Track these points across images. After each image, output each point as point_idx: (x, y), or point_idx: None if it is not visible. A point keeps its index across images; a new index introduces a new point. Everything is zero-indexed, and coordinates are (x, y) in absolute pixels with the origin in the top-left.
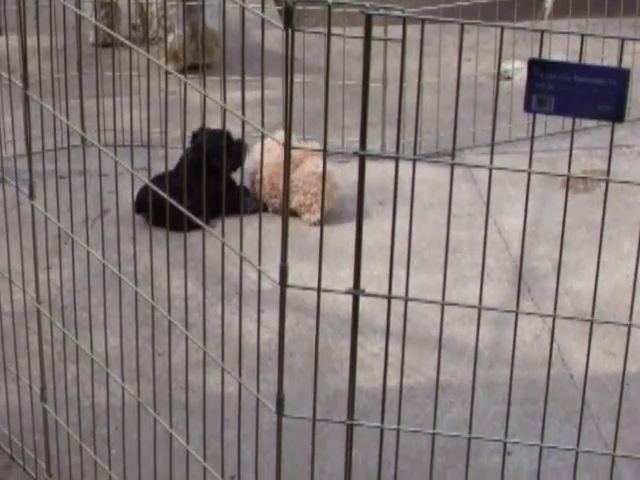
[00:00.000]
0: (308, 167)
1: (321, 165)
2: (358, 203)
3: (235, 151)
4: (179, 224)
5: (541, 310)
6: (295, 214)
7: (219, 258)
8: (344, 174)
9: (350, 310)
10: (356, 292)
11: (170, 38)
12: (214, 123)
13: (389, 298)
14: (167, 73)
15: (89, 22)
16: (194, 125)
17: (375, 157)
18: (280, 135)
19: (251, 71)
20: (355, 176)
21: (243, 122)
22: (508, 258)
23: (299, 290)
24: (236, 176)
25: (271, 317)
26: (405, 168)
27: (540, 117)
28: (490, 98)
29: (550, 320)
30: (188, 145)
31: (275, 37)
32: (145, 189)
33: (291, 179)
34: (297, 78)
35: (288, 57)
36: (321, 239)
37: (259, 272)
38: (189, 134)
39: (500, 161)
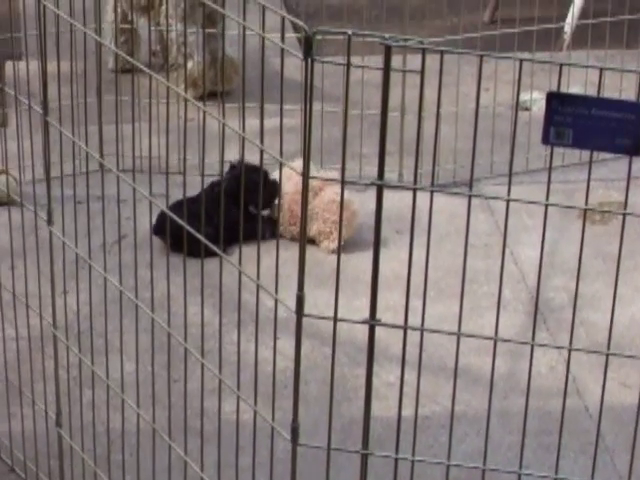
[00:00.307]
0: (328, 195)
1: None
2: (375, 233)
3: (269, 191)
4: (197, 250)
5: (557, 341)
6: (313, 242)
7: (235, 285)
8: (362, 202)
9: (366, 339)
10: (372, 322)
11: (189, 65)
12: (232, 150)
13: (405, 328)
14: (186, 100)
15: (109, 48)
16: (212, 153)
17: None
18: (298, 164)
19: (269, 99)
20: (373, 205)
21: (262, 151)
22: (524, 289)
23: (314, 319)
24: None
25: (286, 345)
26: (422, 197)
27: (558, 148)
28: (508, 128)
29: (565, 351)
30: (212, 173)
31: (294, 65)
32: (164, 213)
33: (311, 207)
34: (315, 106)
35: (307, 87)
36: (338, 268)
37: (275, 300)
38: (212, 162)
39: (517, 191)
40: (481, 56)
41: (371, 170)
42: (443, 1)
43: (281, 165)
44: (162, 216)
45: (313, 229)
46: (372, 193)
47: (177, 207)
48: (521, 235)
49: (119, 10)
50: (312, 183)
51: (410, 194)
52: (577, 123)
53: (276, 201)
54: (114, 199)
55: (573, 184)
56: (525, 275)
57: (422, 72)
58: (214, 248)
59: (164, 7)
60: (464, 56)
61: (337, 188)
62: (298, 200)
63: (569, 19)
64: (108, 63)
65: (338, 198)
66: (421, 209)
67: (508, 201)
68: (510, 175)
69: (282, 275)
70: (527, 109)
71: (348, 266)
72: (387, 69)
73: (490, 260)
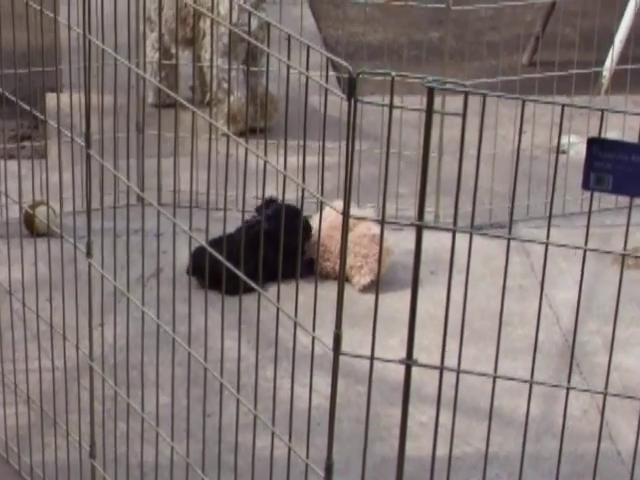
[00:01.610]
0: (360, 229)
1: (373, 228)
2: (414, 273)
3: (305, 234)
4: (233, 288)
5: (589, 385)
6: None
7: (270, 322)
8: (397, 242)
9: (399, 378)
10: (409, 362)
11: (230, 100)
12: (268, 187)
13: (441, 369)
14: (228, 137)
15: (150, 82)
16: (250, 189)
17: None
18: (337, 204)
19: (308, 136)
20: (408, 244)
21: (303, 190)
22: (558, 332)
23: (349, 357)
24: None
25: (320, 382)
26: (459, 238)
27: (595, 193)
28: (544, 171)
29: (598, 396)
30: (248, 209)
31: (332, 103)
32: (199, 252)
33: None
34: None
35: (350, 127)
36: (376, 307)
37: (312, 338)
38: (250, 198)
39: (554, 234)
40: (523, 100)
41: (407, 209)
42: (483, 43)
43: (322, 204)
44: (197, 256)
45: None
46: (407, 232)
47: (213, 245)
48: (556, 278)
49: (160, 45)
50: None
51: (445, 235)
52: (617, 169)
53: (311, 239)
54: (151, 233)
55: (609, 228)
56: (559, 318)
57: (464, 115)
58: (252, 284)
59: (206, 40)
60: (502, 98)
61: (369, 223)
62: (332, 236)
63: (608, 63)
64: (148, 97)
65: (369, 232)
66: (457, 250)
67: (547, 245)
68: (550, 219)
69: (316, 312)
70: (564, 152)
71: (382, 305)
72: (430, 111)
73: (525, 302)
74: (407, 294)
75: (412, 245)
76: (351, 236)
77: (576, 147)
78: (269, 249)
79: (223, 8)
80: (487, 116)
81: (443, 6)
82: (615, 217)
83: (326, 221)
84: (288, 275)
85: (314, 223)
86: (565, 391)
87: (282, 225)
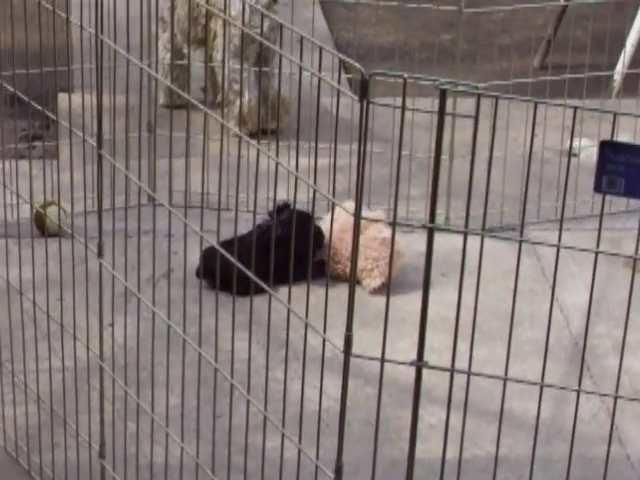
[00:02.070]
0: (371, 232)
1: (384, 231)
2: (425, 275)
3: (317, 240)
4: (243, 290)
5: (599, 388)
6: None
7: (279, 323)
8: (408, 244)
9: (409, 380)
10: (420, 364)
11: (240, 102)
12: (279, 188)
13: (452, 371)
14: (240, 138)
15: (161, 84)
16: (261, 190)
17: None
18: (348, 205)
19: (319, 138)
20: (419, 246)
21: (314, 191)
22: (568, 335)
23: (359, 358)
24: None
25: (330, 384)
26: (469, 240)
27: (605, 196)
28: (555, 174)
29: (607, 399)
30: (259, 211)
31: (343, 105)
32: (209, 253)
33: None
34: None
35: (362, 129)
36: (387, 310)
37: (323, 340)
38: (260, 200)
39: (564, 238)
40: (535, 103)
41: (418, 212)
42: (494, 45)
43: (333, 205)
44: (207, 258)
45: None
46: (418, 235)
47: (223, 247)
48: (567, 281)
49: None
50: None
51: (455, 237)
52: (629, 172)
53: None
54: (161, 233)
55: (619, 232)
56: (570, 321)
57: (476, 117)
58: (263, 285)
59: (218, 40)
60: (513, 101)
61: (380, 226)
62: (342, 238)
63: (619, 67)
64: (159, 99)
65: (380, 235)
66: (468, 252)
67: (558, 248)
68: (562, 222)
69: (326, 314)
70: (575, 155)
71: (392, 307)
72: (442, 113)
73: (535, 305)
74: (417, 296)
75: (423, 247)
76: (362, 239)
77: (587, 150)
78: (281, 254)
79: (234, 9)
80: (498, 118)
81: (455, 8)
82: (626, 220)
83: (337, 223)
84: (299, 277)
85: (324, 224)
86: (575, 394)
87: (293, 231)
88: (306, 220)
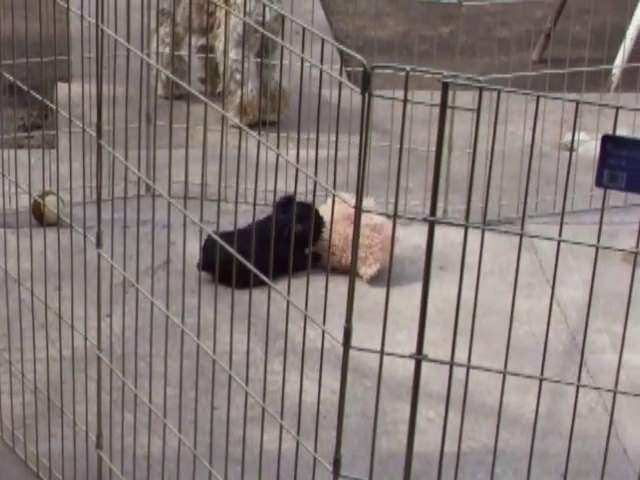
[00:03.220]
0: (362, 220)
1: (374, 218)
2: (425, 269)
3: (317, 232)
4: (241, 282)
5: (596, 383)
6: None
7: (276, 315)
8: (406, 236)
9: (405, 373)
10: (419, 357)
11: (241, 92)
12: (279, 179)
13: (451, 365)
14: (240, 129)
15: (161, 74)
16: (260, 182)
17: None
18: (347, 195)
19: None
20: (416, 239)
21: (315, 182)
22: (565, 330)
23: (356, 351)
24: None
25: (327, 376)
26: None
27: (603, 190)
28: (553, 168)
29: (604, 394)
30: (259, 202)
31: (342, 97)
32: (209, 246)
33: (346, 234)
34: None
35: (364, 122)
36: (387, 303)
37: (322, 332)
38: (260, 191)
39: (562, 232)
40: (537, 96)
41: (415, 205)
42: (493, 38)
43: (334, 196)
44: (207, 250)
45: (349, 257)
46: (416, 228)
47: (222, 238)
48: (564, 275)
49: (172, 35)
50: (350, 213)
51: (453, 230)
52: (631, 167)
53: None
54: (160, 224)
55: (617, 226)
56: (567, 315)
57: (478, 110)
58: (263, 277)
59: (221, 29)
60: (512, 94)
61: (371, 214)
62: (335, 230)
63: (618, 61)
64: (158, 89)
65: (371, 222)
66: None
67: (559, 242)
68: (562, 216)
69: (322, 307)
70: (573, 150)
71: (389, 299)
72: (444, 106)
73: (532, 299)
74: (414, 289)
75: (420, 240)
76: (352, 228)
77: (585, 145)
78: (280, 245)
79: None
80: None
81: (454, 1)
82: (624, 215)
83: (328, 215)
84: (295, 269)
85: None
86: (572, 388)
87: (292, 222)
88: (311, 212)
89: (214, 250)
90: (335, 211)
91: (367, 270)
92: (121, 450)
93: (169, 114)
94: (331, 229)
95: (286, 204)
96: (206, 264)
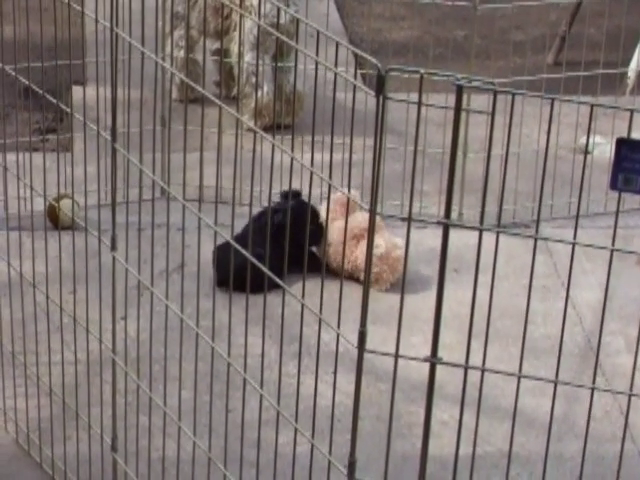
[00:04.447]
0: (354, 233)
1: (379, 246)
2: (440, 272)
3: (319, 233)
4: (253, 286)
5: (612, 386)
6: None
7: (290, 318)
8: (420, 239)
9: (420, 376)
10: (434, 360)
11: (257, 95)
12: (285, 182)
13: (466, 368)
14: (255, 132)
15: (175, 77)
16: (274, 185)
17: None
18: (353, 193)
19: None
20: (431, 241)
21: (329, 185)
22: (580, 332)
23: (371, 354)
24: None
25: (341, 379)
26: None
27: (618, 193)
28: (568, 171)
29: (620, 397)
30: (266, 204)
31: (357, 100)
32: (223, 252)
33: (354, 257)
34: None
35: (379, 125)
36: (401, 307)
37: (337, 335)
38: (274, 194)
39: (577, 235)
40: (552, 99)
41: (431, 207)
42: (508, 42)
43: (348, 200)
44: (220, 260)
45: (362, 275)
46: (430, 231)
47: (230, 245)
48: (579, 278)
49: (186, 38)
50: (360, 225)
51: (468, 234)
52: None
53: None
54: (174, 227)
55: (632, 229)
56: (582, 318)
57: (493, 113)
58: (278, 281)
59: (237, 32)
60: (526, 97)
61: (360, 219)
62: (341, 251)
63: (633, 64)
64: (172, 93)
65: (377, 251)
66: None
67: (573, 245)
68: (577, 218)
69: (337, 311)
70: (588, 153)
71: (404, 303)
72: (458, 109)
73: (547, 302)
74: (428, 292)
75: (434, 243)
76: (359, 251)
77: (600, 147)
78: (292, 245)
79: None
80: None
81: (469, 4)
82: (639, 218)
83: (337, 229)
84: (297, 269)
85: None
86: (587, 391)
87: (287, 223)
88: (313, 214)
89: (226, 255)
90: (343, 230)
91: (382, 287)
92: (136, 453)
93: (184, 117)
94: (346, 235)
95: (288, 196)
96: (220, 282)
